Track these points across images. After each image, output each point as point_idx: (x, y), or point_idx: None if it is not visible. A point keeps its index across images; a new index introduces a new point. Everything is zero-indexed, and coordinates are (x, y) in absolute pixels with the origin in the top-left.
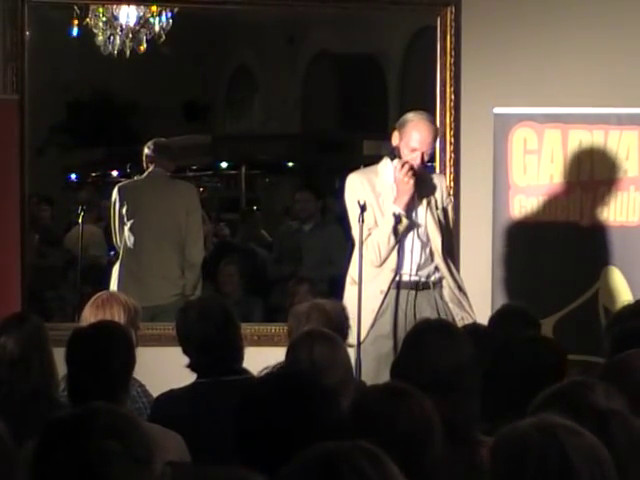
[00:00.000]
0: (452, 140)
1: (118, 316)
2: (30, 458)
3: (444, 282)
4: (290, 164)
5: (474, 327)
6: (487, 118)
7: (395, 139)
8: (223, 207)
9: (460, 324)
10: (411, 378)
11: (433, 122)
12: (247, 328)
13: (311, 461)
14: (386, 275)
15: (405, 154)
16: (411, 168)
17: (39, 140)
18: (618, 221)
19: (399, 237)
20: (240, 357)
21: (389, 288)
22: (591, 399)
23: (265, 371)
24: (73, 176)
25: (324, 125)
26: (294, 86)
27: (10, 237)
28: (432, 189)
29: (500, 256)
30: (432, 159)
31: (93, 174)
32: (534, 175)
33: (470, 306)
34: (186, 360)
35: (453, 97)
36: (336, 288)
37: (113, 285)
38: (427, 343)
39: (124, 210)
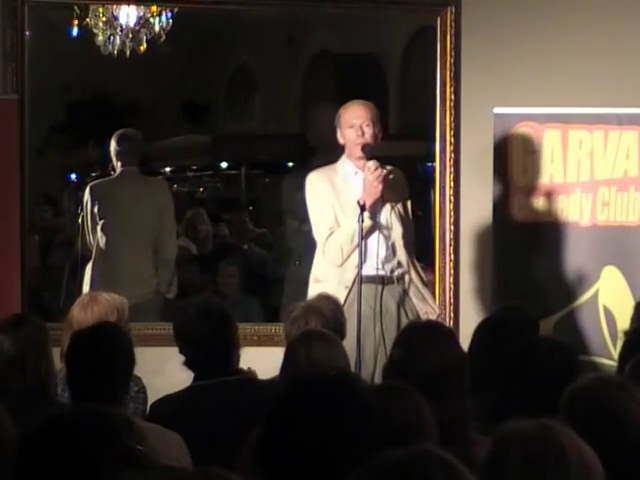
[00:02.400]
0: (452, 140)
1: (105, 314)
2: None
3: (407, 277)
4: (290, 164)
5: None
6: (487, 118)
7: (340, 138)
8: (223, 207)
9: (424, 318)
10: (401, 378)
11: (368, 104)
12: (247, 328)
13: (382, 469)
14: (350, 271)
15: (349, 137)
16: (382, 174)
17: (39, 140)
18: (618, 221)
19: (362, 236)
20: (236, 357)
21: (353, 283)
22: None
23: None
24: (73, 176)
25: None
26: (294, 86)
27: (10, 237)
28: (398, 193)
29: (500, 256)
30: (432, 159)
31: (93, 174)
32: (534, 175)
33: (434, 300)
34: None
35: (453, 97)
36: None
37: (86, 286)
38: (414, 344)
39: (96, 209)
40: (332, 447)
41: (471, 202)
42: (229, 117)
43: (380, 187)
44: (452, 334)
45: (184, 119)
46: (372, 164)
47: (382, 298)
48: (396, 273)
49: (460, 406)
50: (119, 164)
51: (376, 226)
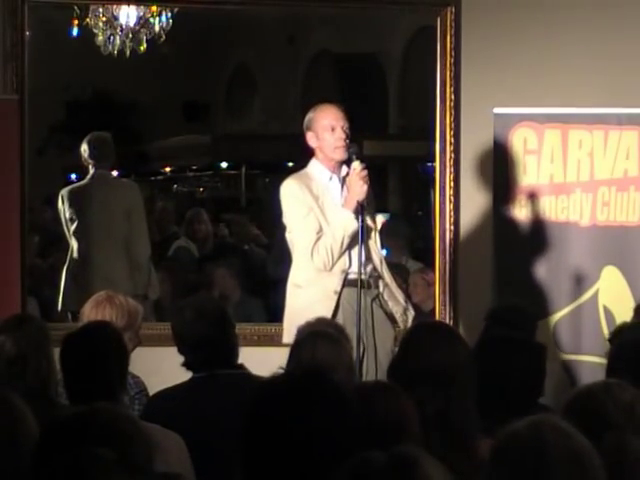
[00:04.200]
0: (452, 140)
1: (116, 317)
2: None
3: (382, 280)
4: (290, 164)
5: None
6: (487, 118)
7: (312, 140)
8: (223, 207)
9: (399, 320)
10: (405, 377)
11: (340, 107)
12: (247, 328)
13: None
14: (337, 276)
15: (330, 140)
16: (368, 173)
17: (39, 140)
18: (618, 221)
19: (363, 237)
20: (235, 355)
21: (343, 287)
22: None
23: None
24: (73, 176)
25: None
26: (294, 86)
27: (10, 237)
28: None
29: (500, 256)
30: (432, 159)
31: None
32: (534, 175)
33: (407, 301)
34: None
35: (453, 97)
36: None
37: (61, 290)
38: (418, 344)
39: (68, 215)
40: (306, 445)
41: (471, 202)
42: (229, 117)
43: (365, 188)
44: (457, 334)
45: (184, 119)
46: (358, 165)
47: (362, 302)
48: (373, 276)
49: (464, 406)
50: (91, 168)
51: (363, 227)
